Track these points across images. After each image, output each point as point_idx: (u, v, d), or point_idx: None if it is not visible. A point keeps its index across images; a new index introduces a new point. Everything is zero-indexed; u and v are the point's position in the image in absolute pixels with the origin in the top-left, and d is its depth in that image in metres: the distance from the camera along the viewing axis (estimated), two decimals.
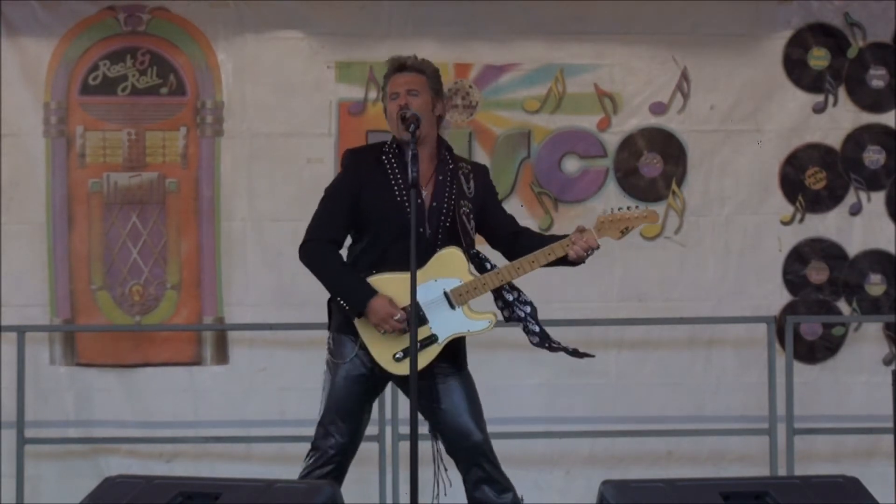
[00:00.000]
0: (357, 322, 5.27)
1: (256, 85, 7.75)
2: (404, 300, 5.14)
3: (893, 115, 7.83)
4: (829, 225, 7.86)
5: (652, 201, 7.75)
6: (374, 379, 5.35)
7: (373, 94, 7.71)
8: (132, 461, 7.55)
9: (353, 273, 5.29)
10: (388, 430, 7.36)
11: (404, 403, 6.92)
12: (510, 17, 7.74)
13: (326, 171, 7.69)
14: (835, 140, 7.85)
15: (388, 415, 7.34)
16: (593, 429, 7.62)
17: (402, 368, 5.21)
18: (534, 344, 5.38)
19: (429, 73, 5.38)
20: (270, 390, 7.64)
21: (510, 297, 5.32)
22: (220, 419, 7.61)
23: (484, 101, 7.79)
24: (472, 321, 5.27)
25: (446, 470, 5.42)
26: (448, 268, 5.26)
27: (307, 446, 5.28)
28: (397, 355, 5.24)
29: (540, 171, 7.80)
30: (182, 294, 7.70)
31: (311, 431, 7.57)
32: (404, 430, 7.13)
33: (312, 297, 7.59)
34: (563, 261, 5.29)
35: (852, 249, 7.86)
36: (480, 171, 5.48)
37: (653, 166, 7.84)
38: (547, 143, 7.80)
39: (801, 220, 7.82)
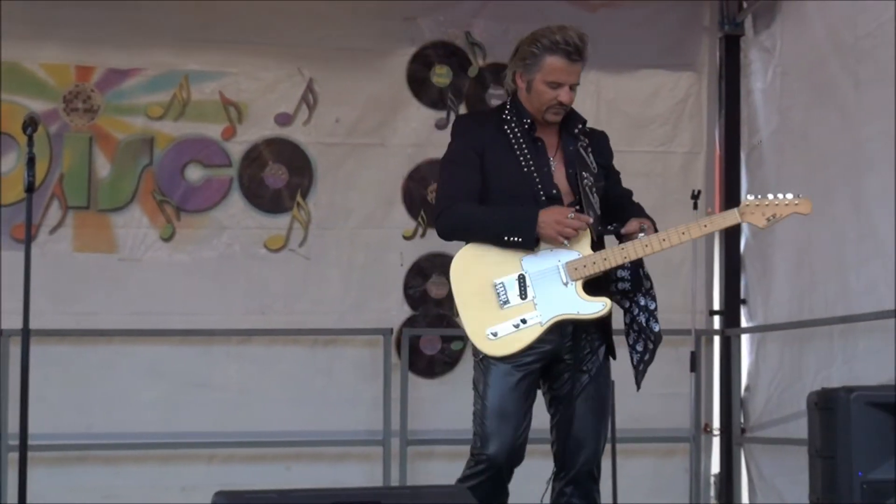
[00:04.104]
0: (457, 292, 4.83)
1: None
2: (511, 269, 4.74)
3: None
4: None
5: (277, 213, 7.73)
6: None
7: None
8: None
9: (501, 208, 4.78)
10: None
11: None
12: (135, 21, 7.57)
13: None
14: None
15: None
16: (212, 441, 7.55)
17: (496, 349, 4.71)
18: (635, 365, 4.85)
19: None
20: None
21: (647, 285, 4.82)
22: None
23: (106, 106, 7.59)
24: (585, 302, 4.71)
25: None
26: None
27: None
28: (490, 334, 4.71)
29: (162, 179, 7.65)
30: None
31: None
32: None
33: None
34: None
35: None
36: (598, 139, 5.00)
37: (278, 177, 7.79)
38: (170, 151, 7.66)
39: (423, 235, 7.91)
